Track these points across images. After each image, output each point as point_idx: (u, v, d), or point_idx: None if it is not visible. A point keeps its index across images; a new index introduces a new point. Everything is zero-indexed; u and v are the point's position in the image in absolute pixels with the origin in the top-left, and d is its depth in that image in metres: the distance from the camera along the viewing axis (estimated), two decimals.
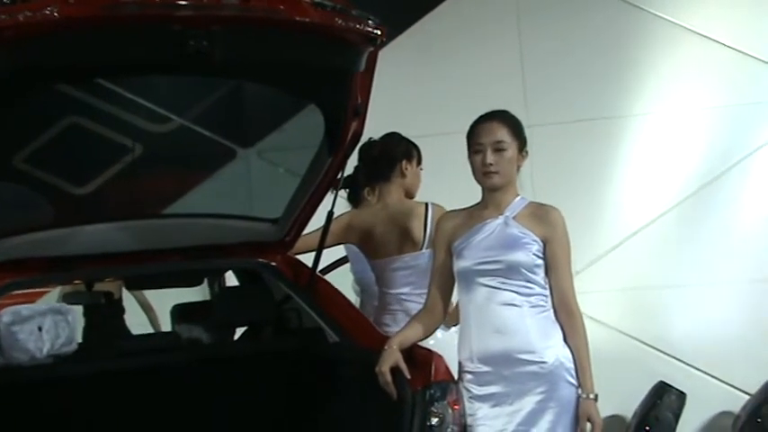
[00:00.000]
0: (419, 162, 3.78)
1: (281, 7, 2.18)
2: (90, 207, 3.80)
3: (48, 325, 2.93)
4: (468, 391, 2.61)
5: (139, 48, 2.12)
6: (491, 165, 2.65)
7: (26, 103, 2.42)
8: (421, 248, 3.59)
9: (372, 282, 3.74)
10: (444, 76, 5.70)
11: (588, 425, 2.56)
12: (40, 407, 2.70)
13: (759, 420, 4.86)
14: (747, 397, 5.04)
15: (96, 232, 3.14)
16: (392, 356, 2.57)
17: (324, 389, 3.03)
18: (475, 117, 5.58)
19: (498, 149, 2.66)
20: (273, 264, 3.36)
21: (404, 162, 3.69)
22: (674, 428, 5.06)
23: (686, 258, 5.31)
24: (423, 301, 3.50)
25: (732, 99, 5.33)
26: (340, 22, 2.28)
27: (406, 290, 3.59)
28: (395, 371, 2.55)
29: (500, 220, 2.67)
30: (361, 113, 2.84)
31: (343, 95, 2.73)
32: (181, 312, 3.62)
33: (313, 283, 3.31)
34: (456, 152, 5.09)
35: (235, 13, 2.17)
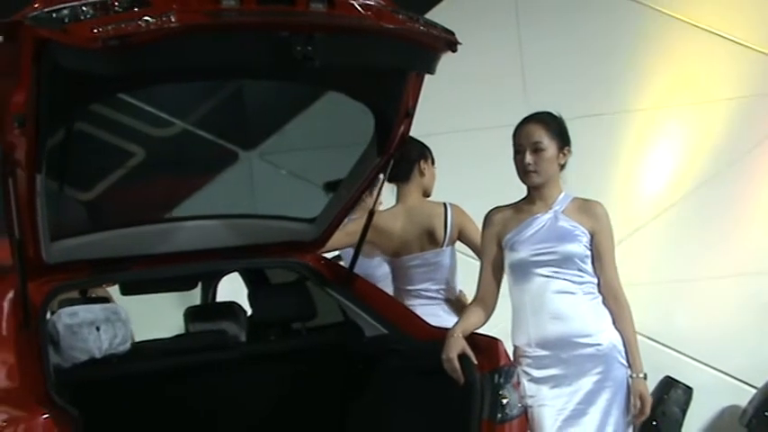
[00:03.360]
0: (433, 161, 4.20)
1: (370, 13, 2.52)
2: (135, 210, 4.10)
3: (104, 325, 3.25)
4: (527, 374, 3.01)
5: (249, 53, 2.40)
6: (530, 164, 3.06)
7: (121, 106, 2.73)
8: (441, 246, 4.02)
9: (376, 280, 4.12)
10: (445, 73, 6.10)
11: (639, 402, 2.98)
12: (108, 404, 2.99)
13: (767, 414, 5.18)
14: (754, 391, 5.40)
15: (140, 235, 3.46)
16: (458, 344, 2.94)
17: (377, 380, 3.39)
18: (475, 115, 5.98)
19: (537, 150, 3.07)
20: (311, 262, 3.73)
21: (421, 162, 4.07)
22: (681, 423, 5.43)
23: (692, 252, 5.67)
24: (441, 296, 3.99)
25: (737, 92, 5.67)
26: (422, 28, 2.65)
27: (425, 285, 3.98)
28: (461, 357, 2.92)
29: (550, 214, 3.08)
30: (411, 115, 3.22)
31: (400, 97, 3.09)
32: (195, 314, 3.97)
33: (352, 279, 3.69)
34: (458, 149, 5.50)
35: (334, 21, 2.49)
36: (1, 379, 2.84)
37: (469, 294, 4.07)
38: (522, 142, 3.09)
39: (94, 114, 4.04)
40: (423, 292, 3.97)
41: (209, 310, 4.07)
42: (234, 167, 6.13)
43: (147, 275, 3.48)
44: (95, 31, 2.20)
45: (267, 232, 3.61)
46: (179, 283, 3.93)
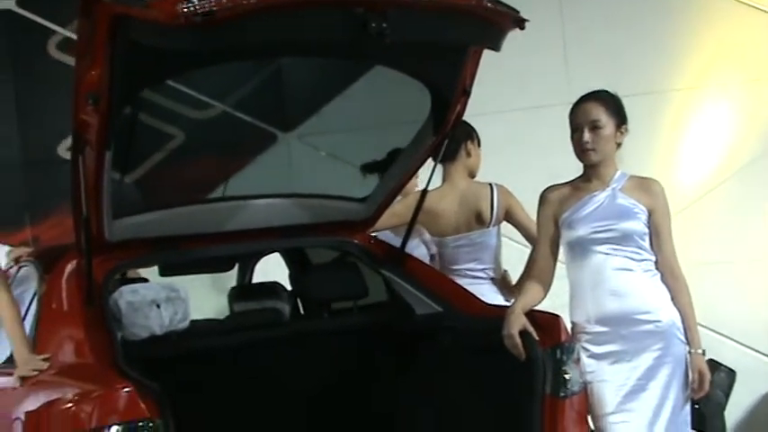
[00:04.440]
0: (479, 142, 4.28)
1: None
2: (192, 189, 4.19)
3: (165, 302, 3.35)
4: (586, 350, 3.09)
5: (325, 29, 2.45)
6: (587, 143, 3.13)
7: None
8: (488, 227, 4.11)
9: None
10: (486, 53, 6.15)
11: (698, 377, 3.07)
12: (167, 381, 3.08)
13: None
14: None
15: (195, 214, 3.55)
16: (519, 320, 3.02)
17: (429, 358, 3.48)
18: (516, 94, 6.00)
19: (594, 128, 3.14)
20: (361, 241, 3.82)
21: (468, 142, 4.15)
22: (724, 406, 5.42)
23: (734, 234, 5.67)
24: (486, 276, 4.08)
25: None
26: (491, 5, 2.71)
27: (470, 265, 4.08)
28: (522, 334, 3.00)
29: (608, 192, 3.15)
30: (468, 94, 3.30)
31: (458, 76, 3.16)
32: (240, 293, 4.07)
33: (403, 258, 3.78)
34: (499, 130, 5.56)
35: None
36: (73, 354, 2.95)
37: (513, 274, 4.19)
38: (579, 120, 3.16)
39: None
40: (468, 272, 4.06)
41: (255, 290, 4.17)
42: (275, 148, 6.23)
43: (203, 254, 3.57)
44: (179, 7, 2.25)
45: (319, 211, 3.69)
46: (231, 263, 4.03)
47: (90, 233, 2.99)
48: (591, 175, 3.20)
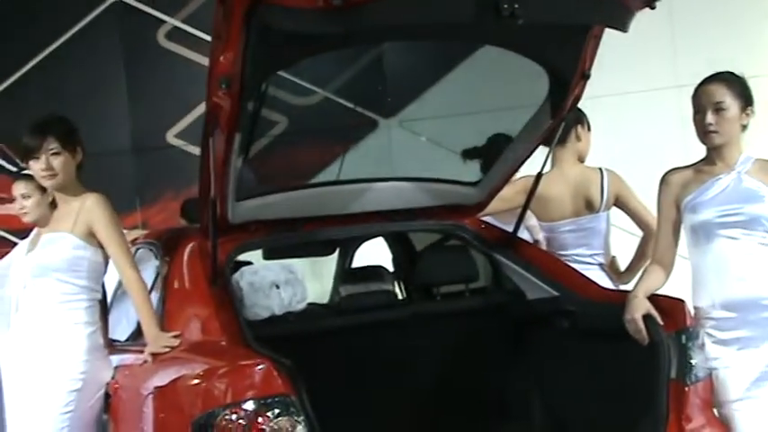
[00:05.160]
0: (589, 126, 4.23)
1: None
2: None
3: (283, 283, 3.42)
4: (711, 336, 3.04)
5: (459, 10, 2.45)
6: (711, 125, 3.07)
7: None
8: (597, 212, 4.07)
9: None
10: None
11: None
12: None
13: None
14: None
15: (310, 197, 3.61)
16: (642, 304, 2.99)
17: (543, 342, 3.47)
18: (626, 78, 5.89)
19: (718, 110, 3.07)
20: (472, 225, 3.83)
21: (578, 127, 4.12)
22: None
23: None
24: (595, 261, 4.03)
25: None
26: None
27: (579, 251, 4.05)
28: (645, 318, 2.96)
29: (733, 175, 3.08)
30: (587, 77, 3.26)
31: (579, 59, 3.14)
32: (348, 276, 4.12)
33: (515, 242, 3.78)
34: (607, 114, 5.48)
35: None
36: (200, 332, 3.03)
37: (622, 261, 4.15)
38: (702, 102, 3.10)
39: None
40: (577, 258, 4.03)
41: (361, 273, 4.22)
42: (375, 134, 6.28)
43: (319, 236, 3.62)
44: None
45: (434, 195, 3.72)
46: (335, 246, 4.07)
47: (217, 214, 3.06)
48: (714, 157, 3.14)
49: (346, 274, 4.35)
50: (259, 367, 2.53)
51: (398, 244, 4.33)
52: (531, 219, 4.28)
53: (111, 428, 3.23)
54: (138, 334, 3.33)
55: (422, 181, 3.78)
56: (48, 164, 3.31)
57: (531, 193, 3.69)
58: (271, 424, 2.44)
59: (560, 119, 3.43)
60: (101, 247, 3.32)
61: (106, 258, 3.36)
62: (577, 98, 3.37)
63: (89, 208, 3.32)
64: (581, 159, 4.21)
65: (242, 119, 2.79)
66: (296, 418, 2.45)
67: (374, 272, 3.90)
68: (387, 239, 4.36)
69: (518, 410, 3.62)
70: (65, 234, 3.32)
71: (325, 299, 4.63)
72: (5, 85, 6.55)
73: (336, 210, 3.59)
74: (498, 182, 3.75)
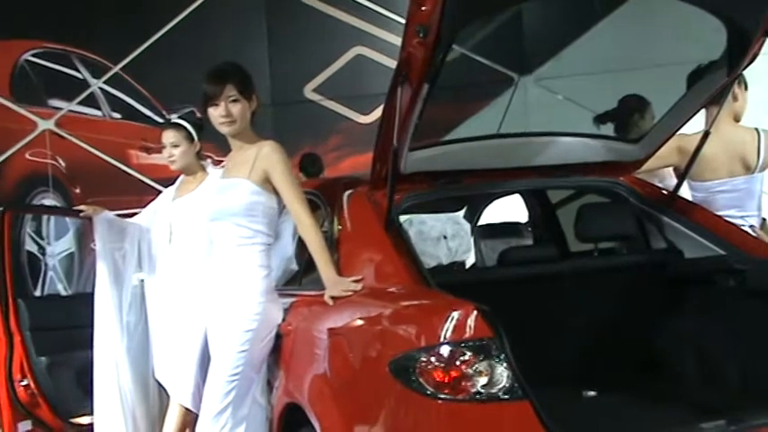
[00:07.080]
0: (746, 86, 4.15)
1: None
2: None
3: (450, 234, 3.49)
4: None
5: None
6: None
7: None
8: (752, 173, 4.00)
9: None
10: None
11: None
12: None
13: None
14: None
15: (472, 150, 3.64)
16: None
17: (707, 301, 3.45)
18: None
19: None
20: (629, 183, 3.81)
21: (734, 85, 4.05)
22: None
23: None
24: (746, 223, 3.96)
25: None
26: None
27: (731, 212, 4.01)
28: None
29: None
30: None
31: (764, 14, 3.09)
32: (485, 231, 4.15)
33: (677, 201, 3.75)
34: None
35: None
36: (382, 277, 3.10)
37: None
38: None
39: None
40: (727, 219, 3.98)
41: (502, 228, 4.25)
42: (511, 91, 6.25)
43: (480, 189, 3.65)
44: None
45: (593, 151, 3.73)
46: (477, 201, 4.08)
47: (396, 163, 3.11)
48: None
49: (482, 229, 4.38)
50: (460, 311, 2.54)
51: (535, 200, 4.34)
52: (668, 178, 4.23)
53: (282, 368, 3.34)
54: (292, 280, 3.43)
55: (584, 137, 3.78)
56: (227, 110, 3.42)
57: (697, 151, 3.65)
58: (472, 367, 2.46)
59: (735, 77, 3.37)
60: (275, 192, 3.42)
61: (280, 204, 3.46)
62: (755, 55, 3.31)
63: (266, 155, 3.42)
64: (737, 119, 4.16)
65: (433, 69, 2.82)
66: (496, 360, 2.47)
67: (510, 228, 3.93)
68: (523, 196, 4.37)
69: (673, 366, 3.61)
70: (242, 180, 3.43)
71: None
72: (152, 40, 6.78)
73: (498, 164, 3.62)
74: (661, 140, 3.72)
